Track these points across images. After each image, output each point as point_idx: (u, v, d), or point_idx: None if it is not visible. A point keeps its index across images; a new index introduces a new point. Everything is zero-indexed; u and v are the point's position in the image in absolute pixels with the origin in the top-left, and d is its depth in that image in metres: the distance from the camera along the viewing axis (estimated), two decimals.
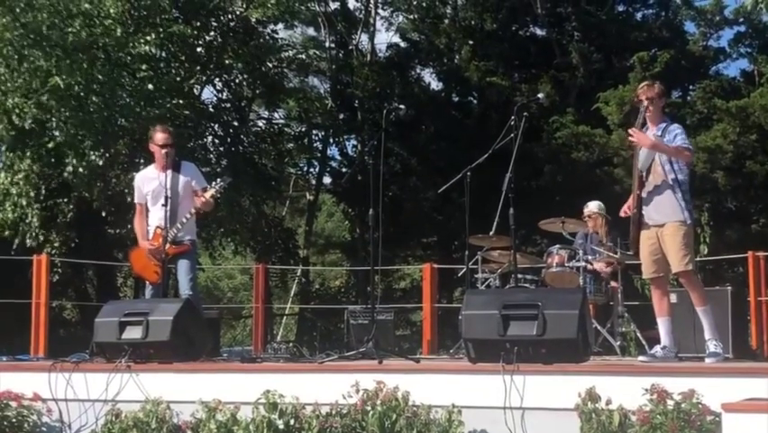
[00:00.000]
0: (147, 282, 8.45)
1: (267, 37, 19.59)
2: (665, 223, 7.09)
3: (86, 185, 15.86)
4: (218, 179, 8.31)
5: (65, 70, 14.70)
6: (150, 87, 15.82)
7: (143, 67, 15.84)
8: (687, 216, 7.08)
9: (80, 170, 15.18)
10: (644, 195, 7.21)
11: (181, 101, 16.86)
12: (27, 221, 15.63)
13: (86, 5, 15.20)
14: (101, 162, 15.32)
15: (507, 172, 7.47)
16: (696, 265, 7.40)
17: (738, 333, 8.48)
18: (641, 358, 7.02)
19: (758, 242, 16.12)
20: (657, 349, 7.08)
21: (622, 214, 7.49)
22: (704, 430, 5.14)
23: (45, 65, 14.87)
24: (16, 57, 15.05)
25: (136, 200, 8.54)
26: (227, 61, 17.76)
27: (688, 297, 8.08)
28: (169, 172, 8.23)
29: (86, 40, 15.12)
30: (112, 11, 15.44)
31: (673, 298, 8.26)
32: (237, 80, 19.81)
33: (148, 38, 15.70)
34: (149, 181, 8.39)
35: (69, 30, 14.93)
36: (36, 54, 14.91)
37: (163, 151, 8.24)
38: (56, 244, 16.61)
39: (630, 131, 7.20)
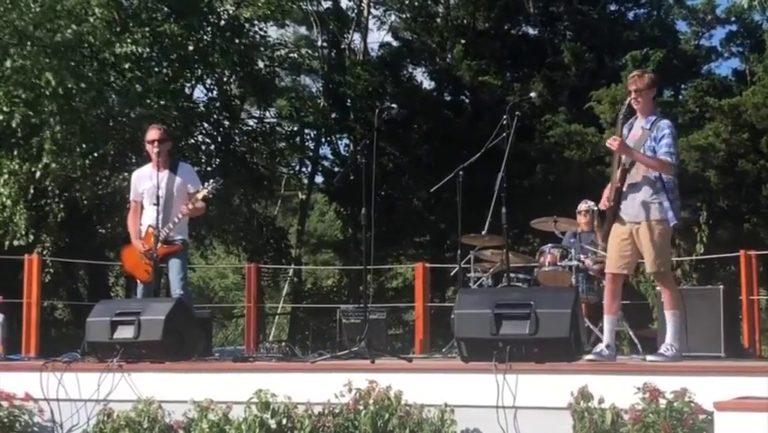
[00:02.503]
0: (138, 282, 8.43)
1: (256, 36, 19.57)
2: (642, 221, 6.87)
3: (66, 184, 15.85)
4: (210, 181, 8.28)
5: (53, 69, 14.69)
6: (138, 87, 15.80)
7: (128, 66, 15.81)
8: (671, 217, 6.85)
9: (53, 165, 15.14)
10: (624, 189, 6.98)
11: (170, 101, 16.83)
12: (15, 220, 15.58)
13: (71, 2, 15.20)
14: (81, 162, 15.29)
15: (500, 171, 7.45)
16: (672, 266, 7.24)
17: (730, 332, 8.49)
18: (588, 357, 6.77)
19: (750, 241, 16.18)
20: (602, 348, 6.91)
21: (601, 206, 7.26)
22: (696, 429, 5.14)
23: (29, 63, 14.85)
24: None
25: (131, 197, 8.52)
26: (216, 58, 17.73)
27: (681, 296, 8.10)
28: (165, 172, 8.21)
29: (73, 38, 15.11)
30: (97, 11, 15.42)
31: None
32: (226, 79, 19.78)
33: (135, 37, 15.68)
34: (144, 180, 8.37)
35: (55, 28, 14.92)
36: (21, 54, 14.90)
37: (154, 149, 8.22)
38: (47, 245, 16.55)
39: (611, 141, 6.98)
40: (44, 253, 15.86)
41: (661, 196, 6.87)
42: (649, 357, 6.81)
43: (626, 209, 6.97)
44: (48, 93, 14.86)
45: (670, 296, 6.96)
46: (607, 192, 7.14)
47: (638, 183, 6.93)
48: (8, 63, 14.97)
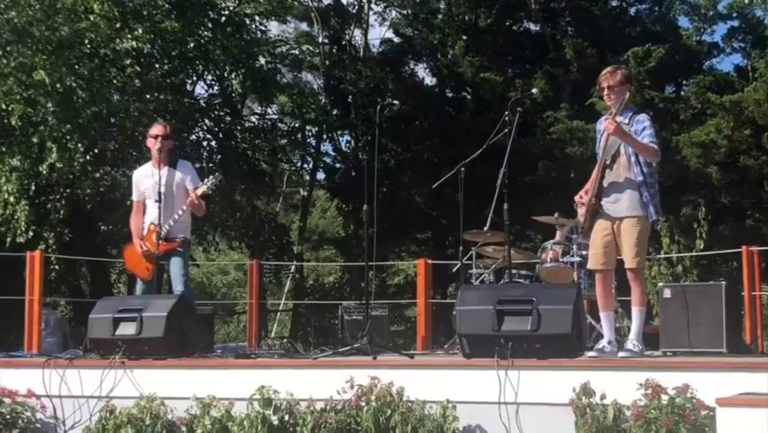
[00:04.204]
0: (138, 280, 8.43)
1: (257, 32, 19.57)
2: (624, 217, 6.90)
3: (68, 180, 15.85)
4: (209, 177, 8.28)
5: (51, 67, 14.70)
6: (138, 83, 15.80)
7: (128, 62, 15.82)
8: (652, 212, 6.89)
9: (58, 164, 15.15)
10: (605, 184, 7.01)
11: (170, 97, 16.84)
12: (16, 217, 15.58)
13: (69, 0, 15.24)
14: (83, 159, 15.28)
15: (502, 168, 7.44)
16: (644, 263, 7.21)
17: (732, 328, 8.48)
18: (589, 354, 6.75)
19: (752, 236, 16.17)
20: (604, 344, 6.95)
21: (577, 198, 7.29)
22: (698, 425, 5.15)
23: (29, 61, 14.86)
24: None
25: (134, 198, 8.52)
26: (217, 55, 17.73)
27: (681, 292, 8.10)
28: (165, 169, 8.21)
29: (71, 35, 15.12)
30: (96, 7, 15.43)
31: (667, 293, 8.28)
32: (226, 75, 19.77)
33: (136, 33, 15.68)
34: (145, 179, 8.38)
35: (54, 25, 14.93)
36: (21, 51, 14.91)
37: (156, 145, 8.22)
38: (50, 242, 16.56)
39: (606, 119, 6.99)
40: (48, 250, 15.87)
41: (643, 193, 6.91)
42: (620, 353, 6.83)
43: (609, 206, 7.00)
44: (46, 91, 14.87)
45: (640, 293, 7.00)
46: (587, 186, 7.19)
47: (621, 180, 6.97)
48: (7, 61, 14.98)
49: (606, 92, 7.11)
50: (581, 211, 7.20)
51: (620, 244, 6.95)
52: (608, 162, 7.03)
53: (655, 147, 6.91)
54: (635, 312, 6.98)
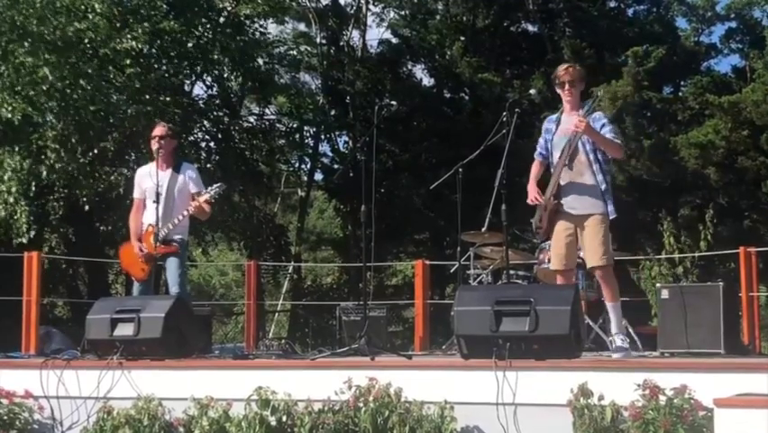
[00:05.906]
0: (134, 280, 8.41)
1: (256, 32, 19.58)
2: (587, 214, 6.93)
3: (68, 180, 15.84)
4: (213, 185, 8.26)
5: (53, 66, 14.70)
6: (137, 84, 15.79)
7: (128, 62, 15.82)
8: (611, 210, 6.92)
9: (57, 164, 15.13)
10: (562, 183, 7.02)
11: (169, 98, 16.83)
12: (15, 218, 15.57)
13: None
14: (82, 159, 15.27)
15: (500, 168, 7.44)
16: (613, 259, 7.20)
17: (730, 328, 8.47)
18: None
19: (750, 237, 16.17)
20: None
21: (530, 201, 7.24)
22: (696, 426, 5.15)
23: (31, 60, 14.86)
24: (0, 52, 15.08)
25: (134, 196, 8.52)
26: (216, 56, 17.74)
27: (679, 293, 8.10)
28: (168, 171, 8.21)
29: (72, 35, 15.12)
30: (97, 6, 15.43)
31: (665, 294, 8.26)
32: (226, 75, 19.77)
33: (135, 33, 15.68)
34: (147, 178, 8.36)
35: (55, 24, 14.93)
36: (20, 51, 14.91)
37: (155, 145, 8.21)
38: (52, 245, 16.53)
39: (577, 122, 6.90)
40: (54, 252, 15.84)
41: (601, 188, 6.95)
42: (614, 355, 6.85)
43: (569, 204, 7.02)
44: (45, 89, 14.87)
45: (612, 290, 7.05)
46: (533, 188, 7.22)
47: (581, 179, 6.99)
48: (11, 59, 14.97)
49: (567, 87, 7.17)
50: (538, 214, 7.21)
51: (584, 242, 6.99)
52: (566, 162, 7.02)
53: (619, 142, 7.00)
54: (610, 308, 7.05)
